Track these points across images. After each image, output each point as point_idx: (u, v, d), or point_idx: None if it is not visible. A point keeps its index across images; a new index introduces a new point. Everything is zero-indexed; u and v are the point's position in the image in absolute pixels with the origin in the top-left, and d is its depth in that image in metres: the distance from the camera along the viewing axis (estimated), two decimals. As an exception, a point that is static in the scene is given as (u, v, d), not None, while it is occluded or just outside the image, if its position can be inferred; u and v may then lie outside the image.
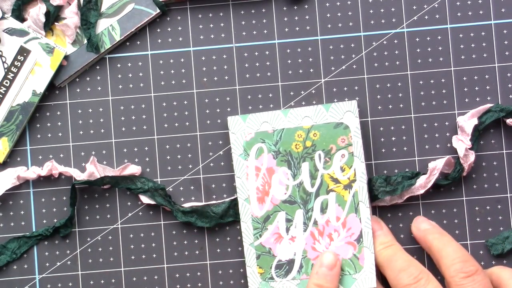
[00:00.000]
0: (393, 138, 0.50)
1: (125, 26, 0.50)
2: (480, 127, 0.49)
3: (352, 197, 0.48)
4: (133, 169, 0.50)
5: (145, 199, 0.50)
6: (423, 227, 0.48)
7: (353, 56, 0.51)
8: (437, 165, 0.48)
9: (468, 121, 0.49)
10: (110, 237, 0.50)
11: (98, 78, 0.51)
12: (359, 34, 0.51)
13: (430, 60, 0.50)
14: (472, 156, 0.48)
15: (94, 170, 0.49)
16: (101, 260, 0.50)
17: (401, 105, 0.50)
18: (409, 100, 0.50)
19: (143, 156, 0.51)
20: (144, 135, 0.51)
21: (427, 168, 0.49)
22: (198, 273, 0.50)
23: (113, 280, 0.50)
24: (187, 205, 0.50)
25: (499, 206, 0.50)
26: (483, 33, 0.51)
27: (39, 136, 0.51)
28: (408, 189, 0.49)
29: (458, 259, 0.44)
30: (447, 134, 0.50)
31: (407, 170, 0.50)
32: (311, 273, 0.47)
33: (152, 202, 0.49)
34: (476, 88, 0.50)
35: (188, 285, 0.50)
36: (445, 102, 0.50)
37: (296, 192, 0.48)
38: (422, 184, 0.49)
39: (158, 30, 0.51)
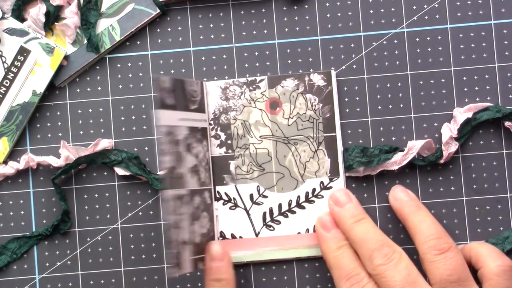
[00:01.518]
0: (393, 138, 0.50)
1: (125, 26, 0.50)
2: (474, 123, 0.49)
3: None
4: (104, 144, 0.50)
5: (120, 171, 0.50)
6: (400, 197, 0.48)
7: (353, 56, 0.51)
8: (415, 145, 0.49)
9: (462, 113, 0.49)
10: (110, 237, 0.50)
11: (98, 78, 0.51)
12: (359, 34, 0.51)
13: (430, 60, 0.50)
14: (454, 147, 0.49)
15: (68, 153, 0.49)
16: (101, 260, 0.50)
17: (401, 105, 0.50)
18: (409, 100, 0.50)
19: (143, 156, 0.50)
20: (144, 135, 0.51)
21: (405, 147, 0.49)
22: (198, 273, 0.50)
23: (113, 280, 0.50)
24: (162, 172, 0.50)
25: (499, 206, 0.50)
26: (483, 33, 0.51)
27: (39, 136, 0.51)
28: (383, 163, 0.49)
29: (432, 236, 0.44)
30: (447, 134, 0.50)
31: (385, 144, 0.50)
32: (205, 270, 0.47)
33: (128, 173, 0.49)
34: (476, 88, 0.50)
35: (188, 285, 0.50)
36: (445, 102, 0.50)
37: None
38: (397, 161, 0.49)
39: (158, 30, 0.51)
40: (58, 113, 0.51)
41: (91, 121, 0.51)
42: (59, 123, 0.51)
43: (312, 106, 0.49)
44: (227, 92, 0.50)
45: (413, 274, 0.43)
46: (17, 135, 0.50)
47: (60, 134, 0.51)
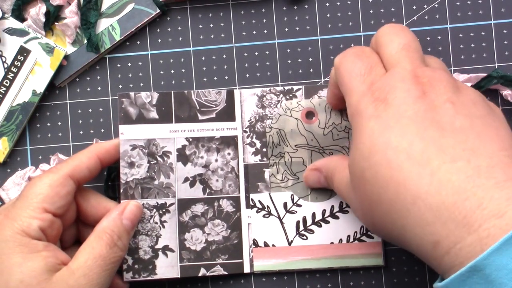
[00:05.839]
0: (393, 138, 0.50)
1: (125, 26, 0.50)
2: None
3: None
4: None
5: None
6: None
7: (353, 56, 0.51)
8: None
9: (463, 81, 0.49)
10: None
11: (98, 78, 0.51)
12: (359, 34, 0.51)
13: (430, 60, 0.51)
14: None
15: None
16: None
17: (401, 105, 0.50)
18: (409, 100, 0.50)
19: (143, 156, 0.51)
20: (144, 135, 0.51)
21: None
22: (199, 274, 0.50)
23: (113, 280, 0.50)
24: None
25: (499, 206, 0.50)
26: (483, 33, 0.51)
27: (39, 136, 0.51)
28: None
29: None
30: (447, 134, 0.50)
31: None
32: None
33: None
34: (476, 88, 0.50)
35: (188, 285, 0.50)
36: (445, 102, 0.50)
37: None
38: None
39: (158, 30, 0.51)
40: (58, 113, 0.51)
41: (91, 121, 0.51)
42: (59, 123, 0.51)
43: (347, 116, 0.49)
44: (264, 100, 0.49)
45: None
46: (17, 135, 0.50)
47: (60, 134, 0.51)
